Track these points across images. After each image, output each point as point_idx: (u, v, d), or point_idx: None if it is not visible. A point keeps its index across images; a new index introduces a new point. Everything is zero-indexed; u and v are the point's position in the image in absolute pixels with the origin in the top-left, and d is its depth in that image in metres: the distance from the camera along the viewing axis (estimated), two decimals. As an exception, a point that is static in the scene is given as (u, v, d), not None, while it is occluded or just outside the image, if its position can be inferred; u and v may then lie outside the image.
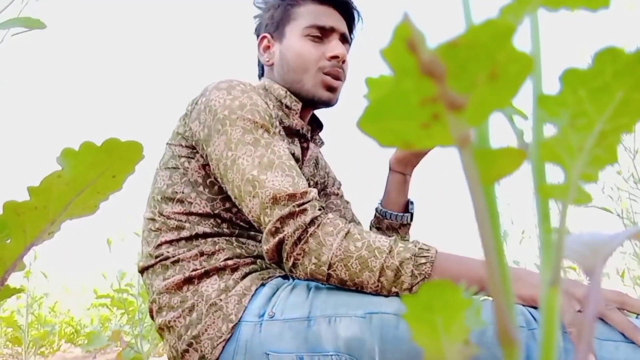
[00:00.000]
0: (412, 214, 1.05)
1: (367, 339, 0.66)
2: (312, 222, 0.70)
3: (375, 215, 1.06)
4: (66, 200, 0.27)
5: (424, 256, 0.68)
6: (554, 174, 0.17)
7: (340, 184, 1.17)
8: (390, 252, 0.68)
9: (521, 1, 0.15)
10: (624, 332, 0.57)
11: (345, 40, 0.98)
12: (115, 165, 0.27)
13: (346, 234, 0.69)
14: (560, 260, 0.17)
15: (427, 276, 0.66)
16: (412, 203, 1.06)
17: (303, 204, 0.71)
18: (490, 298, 0.67)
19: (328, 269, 0.69)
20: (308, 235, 0.70)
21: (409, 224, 1.06)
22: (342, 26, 0.97)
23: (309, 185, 0.99)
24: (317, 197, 0.74)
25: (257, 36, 1.04)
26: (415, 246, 0.69)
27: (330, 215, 0.72)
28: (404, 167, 1.02)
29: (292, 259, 0.70)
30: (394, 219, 1.03)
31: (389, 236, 0.76)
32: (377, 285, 0.68)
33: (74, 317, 3.06)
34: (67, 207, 0.27)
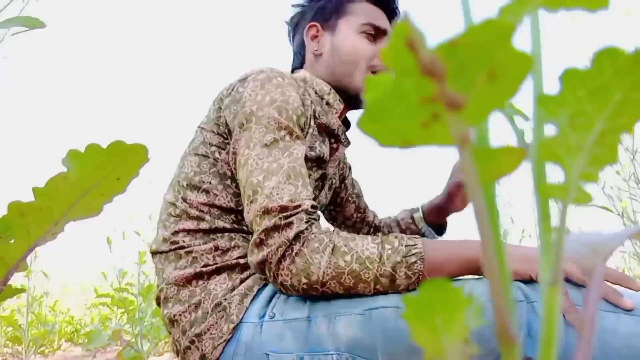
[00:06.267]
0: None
1: (368, 335, 0.66)
2: (296, 237, 0.68)
3: (410, 215, 1.15)
4: (71, 201, 0.27)
5: (413, 254, 0.67)
6: (554, 174, 0.17)
7: (350, 167, 1.17)
8: (380, 259, 0.67)
9: (521, 1, 0.15)
10: (606, 297, 0.59)
11: None
12: (120, 167, 0.27)
13: (333, 249, 0.68)
14: (560, 260, 0.17)
15: (420, 273, 0.66)
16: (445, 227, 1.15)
17: (290, 216, 0.69)
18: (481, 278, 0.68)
19: (321, 287, 0.68)
20: (293, 254, 0.68)
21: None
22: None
23: (332, 184, 1.02)
24: (310, 210, 0.71)
25: (294, 24, 1.03)
26: (402, 245, 0.68)
27: (314, 229, 0.70)
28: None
29: (279, 278, 0.69)
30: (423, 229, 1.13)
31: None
32: (374, 293, 0.69)
33: (74, 316, 3.06)
34: (71, 209, 0.27)
